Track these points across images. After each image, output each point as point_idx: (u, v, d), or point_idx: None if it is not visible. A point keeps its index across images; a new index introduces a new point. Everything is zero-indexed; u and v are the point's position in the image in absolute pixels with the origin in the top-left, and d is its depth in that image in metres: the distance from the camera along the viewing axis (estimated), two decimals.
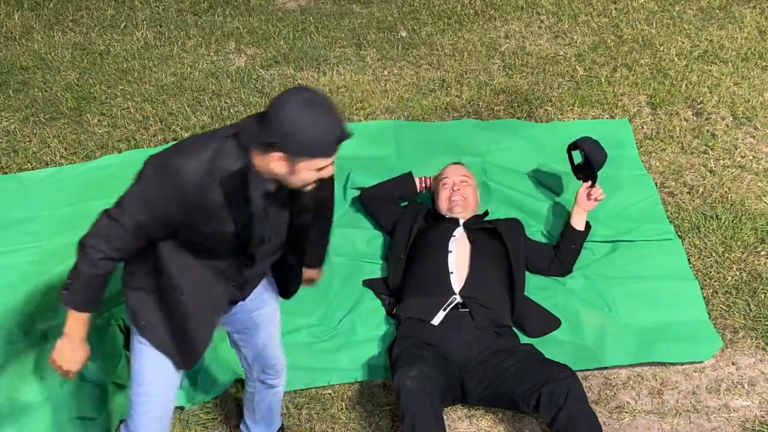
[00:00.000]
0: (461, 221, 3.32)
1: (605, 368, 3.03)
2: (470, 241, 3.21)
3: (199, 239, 2.10)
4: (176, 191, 1.99)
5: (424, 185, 3.58)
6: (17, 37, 4.96)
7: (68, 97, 4.37)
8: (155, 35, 4.96)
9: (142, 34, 4.96)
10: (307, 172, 1.97)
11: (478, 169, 3.74)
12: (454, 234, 3.23)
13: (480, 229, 3.30)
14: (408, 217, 3.37)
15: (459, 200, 3.35)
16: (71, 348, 2.17)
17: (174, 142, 2.24)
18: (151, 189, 2.01)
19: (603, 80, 4.44)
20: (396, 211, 3.44)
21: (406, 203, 3.52)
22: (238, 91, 4.42)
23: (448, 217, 3.36)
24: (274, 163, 1.94)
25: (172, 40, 4.91)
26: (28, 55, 4.77)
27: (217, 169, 1.98)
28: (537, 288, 3.26)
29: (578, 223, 3.33)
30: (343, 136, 1.94)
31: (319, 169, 1.98)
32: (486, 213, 3.47)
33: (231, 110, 4.26)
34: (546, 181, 3.75)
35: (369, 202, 3.52)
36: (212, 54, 4.78)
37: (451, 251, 3.16)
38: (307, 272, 2.53)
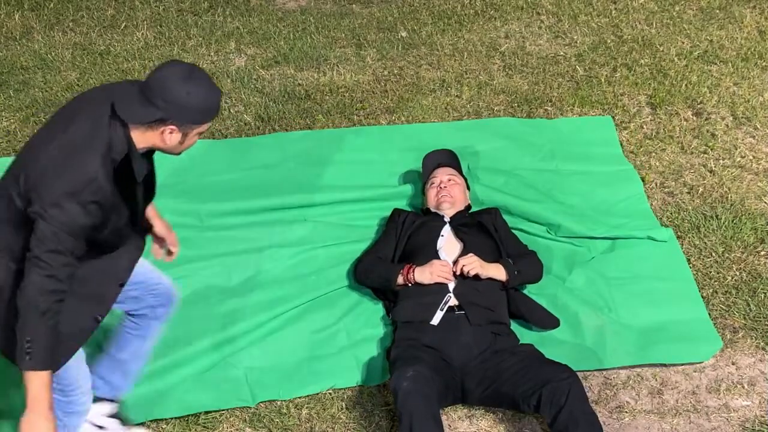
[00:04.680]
0: (447, 218, 3.34)
1: (605, 368, 3.03)
2: (458, 239, 3.22)
3: (97, 240, 2.16)
4: (101, 204, 2.05)
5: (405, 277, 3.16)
6: (17, 37, 4.96)
7: (69, 97, 4.37)
8: (155, 35, 4.97)
9: (142, 34, 4.97)
10: (193, 137, 2.14)
11: (463, 170, 3.74)
12: (441, 234, 3.24)
13: (466, 225, 3.30)
14: (389, 239, 3.36)
15: (446, 197, 3.39)
16: (41, 419, 2.06)
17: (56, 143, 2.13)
18: (74, 218, 2.01)
19: (603, 80, 4.45)
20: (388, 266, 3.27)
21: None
22: (238, 91, 4.42)
23: (436, 213, 3.39)
24: (168, 136, 2.07)
25: (172, 40, 4.91)
26: (28, 55, 4.77)
27: (111, 162, 2.05)
28: (536, 287, 3.26)
29: (497, 275, 3.14)
30: (220, 97, 2.12)
31: (200, 132, 2.15)
32: (469, 207, 3.48)
33: (231, 110, 4.27)
34: (533, 180, 3.76)
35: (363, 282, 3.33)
36: (212, 54, 4.79)
37: (440, 250, 3.17)
38: (160, 227, 2.60)
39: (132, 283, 2.44)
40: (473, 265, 3.05)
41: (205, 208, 3.56)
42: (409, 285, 3.10)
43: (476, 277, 3.06)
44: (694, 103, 4.26)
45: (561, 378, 2.66)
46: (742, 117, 4.17)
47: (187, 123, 2.07)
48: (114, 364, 2.65)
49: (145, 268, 2.53)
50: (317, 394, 2.95)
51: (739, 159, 3.92)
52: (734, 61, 4.56)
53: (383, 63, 4.67)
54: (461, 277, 3.07)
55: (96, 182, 2.02)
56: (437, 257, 3.15)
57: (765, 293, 3.26)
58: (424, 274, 3.08)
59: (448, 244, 3.22)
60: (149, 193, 2.38)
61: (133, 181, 2.16)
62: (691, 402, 2.91)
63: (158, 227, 2.60)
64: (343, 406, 2.91)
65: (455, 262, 3.10)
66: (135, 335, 2.62)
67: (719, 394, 2.93)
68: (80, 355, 2.37)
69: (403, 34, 4.94)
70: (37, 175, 2.04)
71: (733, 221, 3.57)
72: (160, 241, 2.63)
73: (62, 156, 2.03)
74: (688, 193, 3.75)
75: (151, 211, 2.55)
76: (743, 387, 2.95)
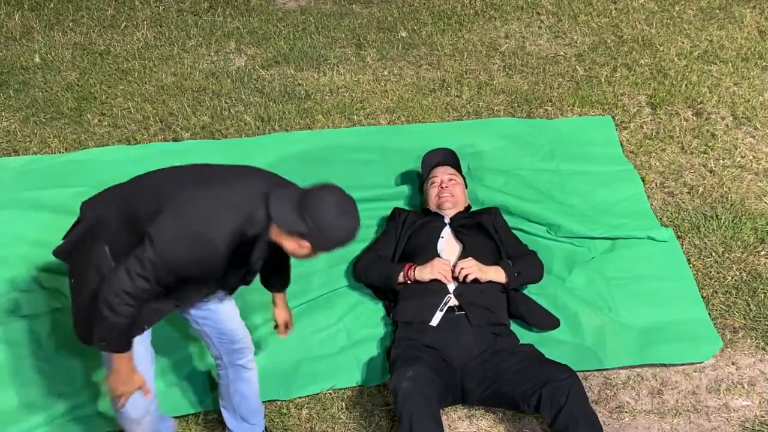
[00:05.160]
0: (447, 219, 3.34)
1: (605, 368, 3.03)
2: (458, 241, 3.22)
3: (185, 284, 2.32)
4: (206, 263, 2.21)
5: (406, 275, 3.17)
6: (17, 37, 4.96)
7: (68, 97, 4.37)
8: (155, 35, 4.97)
9: (142, 34, 4.97)
10: (318, 255, 2.25)
11: (463, 170, 3.74)
12: (441, 235, 3.24)
13: (466, 226, 3.30)
14: (390, 238, 3.35)
15: (447, 197, 3.39)
16: (123, 379, 2.35)
17: (200, 169, 2.41)
18: (179, 255, 2.17)
19: (603, 80, 4.45)
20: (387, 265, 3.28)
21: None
22: (238, 91, 4.42)
23: (436, 213, 3.39)
24: (301, 249, 2.20)
25: (172, 40, 4.91)
26: (28, 55, 4.77)
27: (240, 234, 2.19)
28: (536, 287, 3.26)
29: (497, 278, 3.14)
30: (358, 230, 2.25)
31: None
32: (469, 207, 3.47)
33: (231, 110, 4.26)
34: (533, 180, 3.75)
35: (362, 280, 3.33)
36: (212, 54, 4.78)
37: (440, 253, 3.17)
38: (280, 315, 2.86)
39: (210, 320, 2.59)
40: (471, 269, 3.05)
41: None
42: (409, 282, 3.10)
43: (475, 280, 3.06)
44: (694, 103, 4.26)
45: (561, 378, 2.66)
46: (742, 117, 4.17)
47: (322, 247, 2.20)
48: (230, 414, 2.77)
49: (227, 315, 2.64)
50: (317, 394, 2.95)
51: (739, 159, 3.92)
52: (734, 61, 4.56)
53: (383, 63, 4.67)
54: (460, 281, 3.07)
55: (215, 245, 2.18)
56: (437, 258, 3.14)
57: (765, 293, 3.26)
58: (424, 272, 3.08)
59: (448, 245, 3.22)
60: (250, 275, 2.51)
61: (247, 261, 2.32)
62: (691, 402, 2.91)
63: (278, 314, 2.85)
64: (343, 406, 2.91)
65: (454, 265, 3.10)
66: (227, 384, 2.72)
67: (719, 394, 2.93)
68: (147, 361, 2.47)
69: (403, 34, 4.94)
70: (172, 204, 2.20)
71: (733, 221, 3.56)
72: (276, 322, 2.88)
73: (204, 204, 2.20)
74: (688, 193, 3.75)
75: (279, 298, 2.83)
76: (743, 387, 2.95)
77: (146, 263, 2.16)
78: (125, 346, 2.30)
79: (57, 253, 2.49)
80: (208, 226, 2.17)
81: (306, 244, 2.17)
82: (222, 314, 2.60)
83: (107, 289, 2.18)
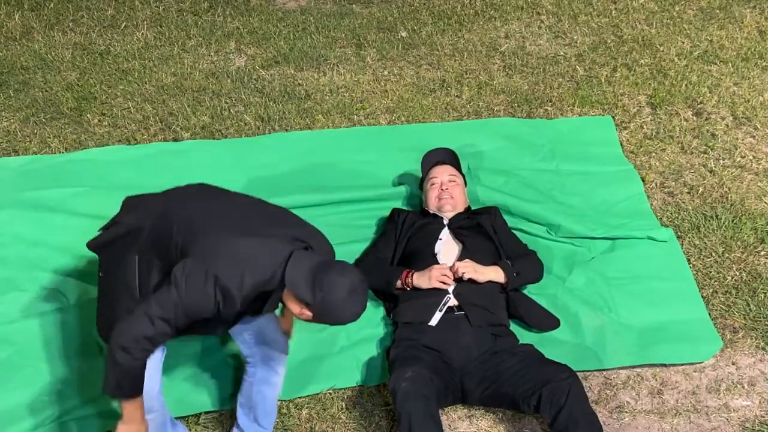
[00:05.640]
0: (446, 220, 3.33)
1: (605, 368, 3.03)
2: (457, 241, 3.22)
3: (195, 326, 2.36)
4: (222, 314, 2.27)
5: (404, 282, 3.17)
6: (17, 37, 4.96)
7: (68, 97, 4.37)
8: (155, 35, 4.97)
9: (142, 34, 4.97)
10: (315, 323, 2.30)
11: (463, 170, 3.74)
12: (440, 237, 3.24)
13: (465, 227, 3.29)
14: (389, 239, 3.35)
15: (447, 200, 3.37)
16: (135, 426, 2.38)
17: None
18: (202, 303, 2.22)
19: (603, 80, 4.45)
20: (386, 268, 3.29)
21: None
22: (238, 91, 4.42)
23: (435, 214, 3.37)
24: (302, 315, 2.26)
25: (172, 40, 4.91)
26: (28, 55, 4.77)
27: (259, 289, 2.27)
28: (536, 287, 3.26)
29: (496, 278, 3.14)
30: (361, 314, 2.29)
31: None
32: (469, 208, 3.46)
33: (231, 110, 4.27)
34: (533, 180, 3.76)
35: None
36: (212, 54, 4.79)
37: (437, 254, 3.17)
38: (286, 324, 2.88)
39: (249, 324, 2.66)
40: (467, 269, 3.04)
41: None
42: (407, 288, 3.09)
43: (474, 281, 3.05)
44: (694, 103, 4.26)
45: (561, 378, 2.66)
46: (742, 117, 4.17)
47: (322, 321, 2.26)
48: (245, 413, 2.78)
49: (270, 317, 2.69)
50: (317, 394, 2.95)
51: (739, 159, 3.92)
52: (734, 61, 4.56)
53: (383, 63, 4.67)
54: (458, 281, 3.07)
55: (234, 301, 2.23)
56: (435, 261, 3.14)
57: (765, 293, 3.26)
58: (422, 279, 3.07)
59: (446, 247, 3.21)
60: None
61: (259, 310, 2.39)
62: (691, 402, 2.91)
63: (284, 322, 2.86)
64: (343, 406, 2.91)
65: (452, 267, 3.09)
66: (252, 382, 2.75)
67: (719, 394, 2.93)
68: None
69: (403, 34, 4.94)
70: (201, 248, 2.25)
71: (733, 221, 3.57)
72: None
73: (232, 261, 2.24)
74: (688, 193, 3.75)
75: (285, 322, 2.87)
76: (743, 387, 2.95)
77: (168, 305, 2.20)
78: (137, 392, 2.32)
79: (90, 246, 2.56)
80: (232, 282, 2.22)
81: (308, 313, 2.25)
82: (266, 317, 2.65)
83: (124, 335, 2.21)
